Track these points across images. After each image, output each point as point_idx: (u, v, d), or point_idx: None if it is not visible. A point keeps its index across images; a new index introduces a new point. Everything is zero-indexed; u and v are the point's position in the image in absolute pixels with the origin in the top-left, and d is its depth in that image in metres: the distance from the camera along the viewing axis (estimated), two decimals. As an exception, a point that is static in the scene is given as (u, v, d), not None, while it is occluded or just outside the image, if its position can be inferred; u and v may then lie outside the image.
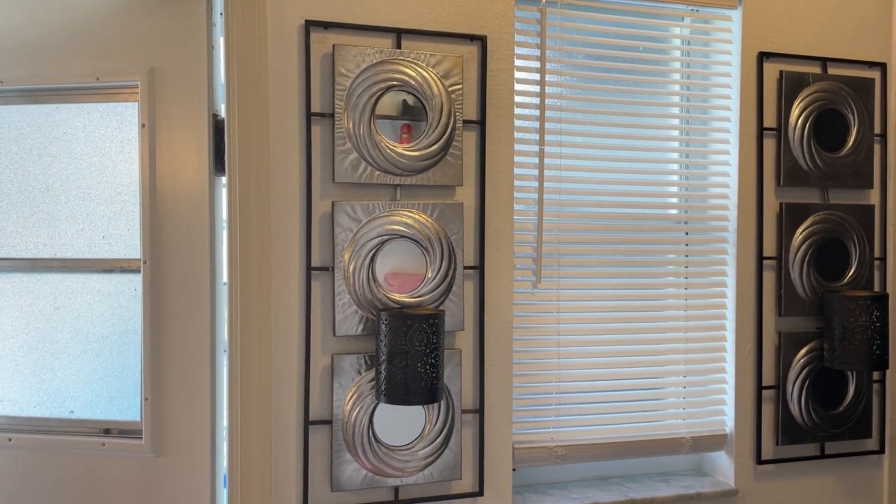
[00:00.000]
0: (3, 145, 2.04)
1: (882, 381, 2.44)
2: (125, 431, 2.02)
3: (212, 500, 1.95)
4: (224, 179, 1.94)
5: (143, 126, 1.96)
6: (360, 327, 1.96)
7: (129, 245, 2.03)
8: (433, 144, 1.99)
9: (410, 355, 1.82)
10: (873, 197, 2.43)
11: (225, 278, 1.93)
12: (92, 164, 2.04)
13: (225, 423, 1.95)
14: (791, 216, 2.32)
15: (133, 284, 2.03)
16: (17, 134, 2.04)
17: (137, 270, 2.00)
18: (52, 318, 2.06)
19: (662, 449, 2.30)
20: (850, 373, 2.36)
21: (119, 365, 2.04)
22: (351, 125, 1.94)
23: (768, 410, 2.34)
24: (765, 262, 2.33)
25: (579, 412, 2.25)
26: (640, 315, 2.30)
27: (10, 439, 2.01)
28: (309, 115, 1.94)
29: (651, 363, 2.31)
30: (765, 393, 2.33)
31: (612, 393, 2.28)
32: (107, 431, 2.03)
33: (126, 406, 2.03)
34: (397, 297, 1.98)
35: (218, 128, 1.96)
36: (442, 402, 2.01)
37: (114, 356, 2.05)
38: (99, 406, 2.04)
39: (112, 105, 2.03)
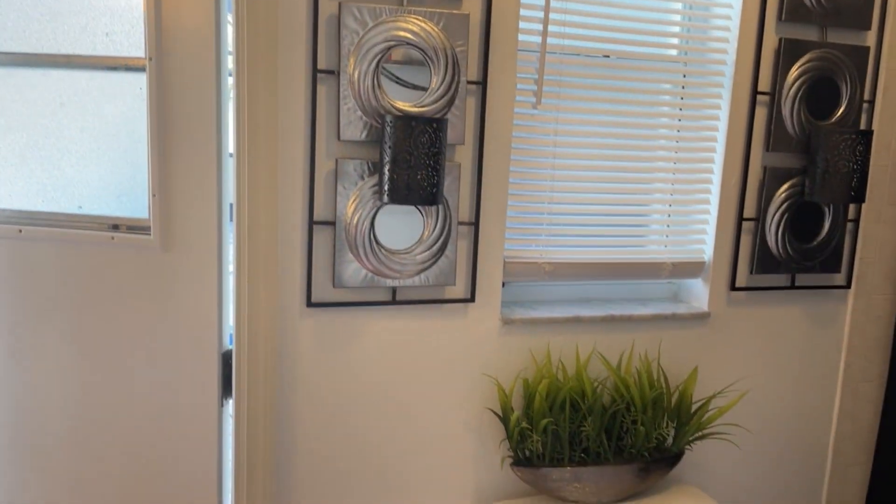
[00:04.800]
0: (1, -70, 1.99)
1: (856, 221, 2.56)
2: (133, 228, 2.08)
3: (219, 291, 2.05)
4: (229, -23, 1.92)
5: (146, -84, 1.91)
6: (364, 133, 2.01)
7: (133, 43, 2.03)
8: (442, -50, 1.97)
9: (414, 157, 1.88)
10: (869, 39, 2.46)
11: (231, 74, 1.95)
12: (93, -43, 2.00)
13: (231, 220, 2.03)
14: (789, 52, 2.35)
15: (139, 83, 2.04)
16: (13, -79, 1.99)
17: (143, 69, 2.01)
18: (58, 113, 2.07)
19: (644, 272, 2.43)
20: (826, 209, 2.47)
21: (127, 164, 2.08)
22: (360, -76, 1.91)
23: (746, 241, 2.46)
24: (758, 97, 2.38)
25: (568, 233, 2.35)
26: (632, 143, 2.36)
27: (20, 231, 2.08)
28: (318, -89, 1.90)
29: (639, 191, 2.40)
30: (745, 224, 2.45)
31: (600, 217, 2.38)
32: (115, 227, 2.09)
33: (134, 204, 2.09)
34: (401, 105, 2.01)
35: (223, -78, 1.92)
36: (441, 212, 2.09)
37: (121, 155, 2.08)
38: (107, 202, 2.10)
39: None
